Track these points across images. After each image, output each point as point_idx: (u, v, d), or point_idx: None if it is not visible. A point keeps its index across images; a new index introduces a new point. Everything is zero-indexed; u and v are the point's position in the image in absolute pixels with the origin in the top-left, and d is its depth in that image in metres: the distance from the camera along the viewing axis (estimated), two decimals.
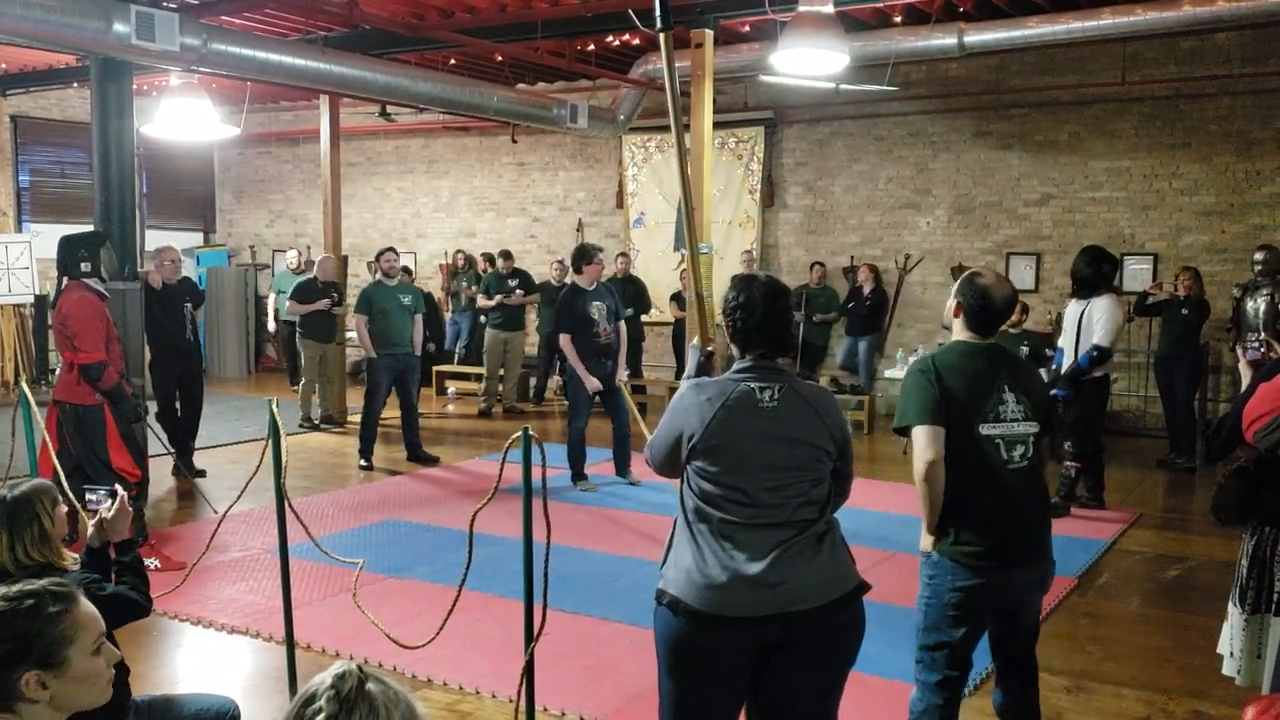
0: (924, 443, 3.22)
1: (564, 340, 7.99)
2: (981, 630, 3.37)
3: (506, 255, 12.60)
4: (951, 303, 3.43)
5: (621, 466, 8.42)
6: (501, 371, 12.11)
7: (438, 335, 14.36)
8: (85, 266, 6.14)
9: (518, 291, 12.07)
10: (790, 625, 2.71)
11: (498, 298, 11.93)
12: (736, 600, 2.70)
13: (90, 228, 7.47)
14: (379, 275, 9.25)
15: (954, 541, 3.25)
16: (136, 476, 6.15)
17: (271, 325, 13.44)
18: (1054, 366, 7.57)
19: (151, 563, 5.98)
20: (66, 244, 6.28)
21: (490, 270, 12.76)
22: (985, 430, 3.22)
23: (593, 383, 7.96)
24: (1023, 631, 3.45)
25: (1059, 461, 7.80)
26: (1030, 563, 3.31)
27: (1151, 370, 10.11)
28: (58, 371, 6.41)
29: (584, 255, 8.14)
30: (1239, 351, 6.33)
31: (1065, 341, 7.47)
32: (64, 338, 6.09)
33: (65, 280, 6.19)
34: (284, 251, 15.80)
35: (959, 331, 3.41)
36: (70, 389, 6.05)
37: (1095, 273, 7.26)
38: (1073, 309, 7.38)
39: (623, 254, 12.76)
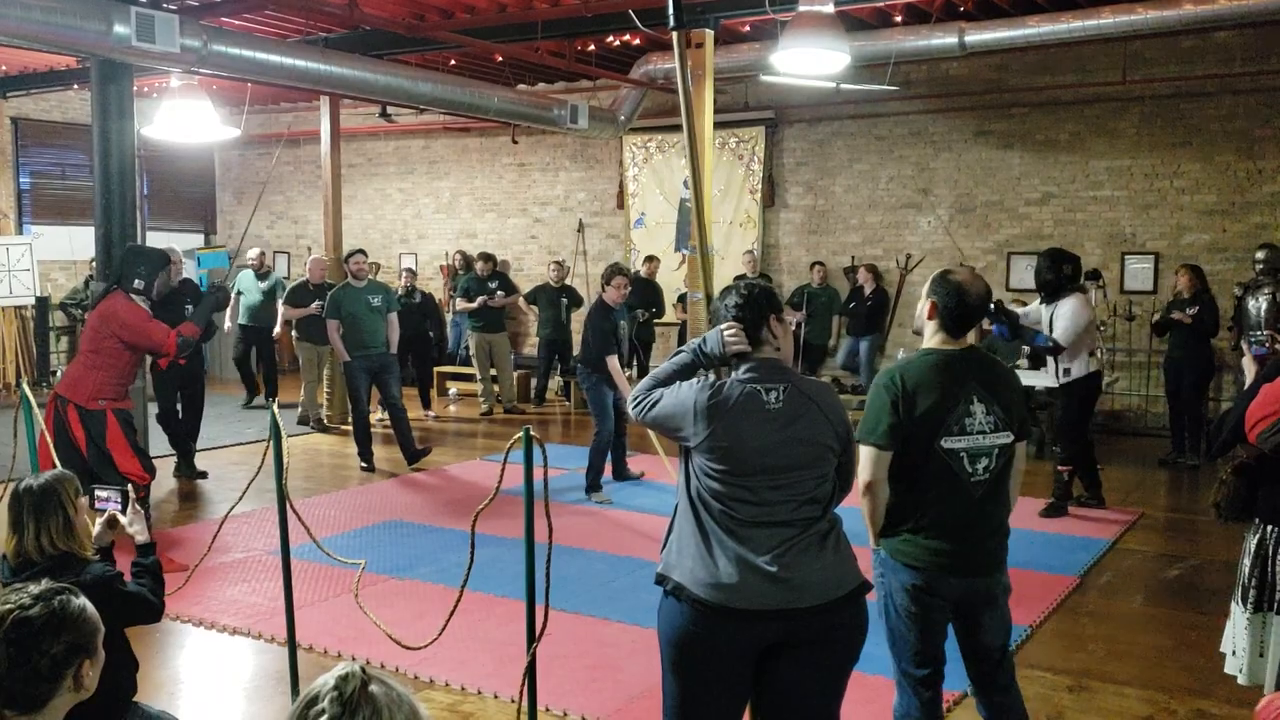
0: (867, 463, 3.18)
1: (611, 363, 7.86)
2: (940, 629, 3.29)
3: (487, 258, 12.65)
4: (925, 304, 3.30)
5: (619, 471, 8.46)
6: (494, 372, 12.12)
7: (440, 336, 14.36)
8: (138, 283, 6.13)
9: (498, 294, 12.13)
10: (793, 622, 2.72)
11: (480, 299, 11.95)
12: (742, 595, 2.71)
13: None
14: (348, 278, 9.22)
15: (900, 541, 3.23)
16: (146, 480, 6.13)
17: (227, 325, 11.73)
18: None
19: None
20: (132, 254, 6.34)
21: (468, 273, 12.84)
22: (948, 444, 3.13)
23: (625, 388, 8.04)
24: (985, 648, 3.32)
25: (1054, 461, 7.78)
26: (977, 575, 3.23)
27: (1152, 370, 10.08)
28: (60, 371, 6.38)
29: (607, 275, 8.17)
30: (1244, 347, 6.30)
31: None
32: (101, 337, 6.02)
33: (113, 286, 6.18)
34: (285, 253, 15.81)
35: (931, 334, 3.29)
36: (75, 387, 5.99)
37: (1059, 276, 7.20)
38: (1042, 311, 7.32)
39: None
